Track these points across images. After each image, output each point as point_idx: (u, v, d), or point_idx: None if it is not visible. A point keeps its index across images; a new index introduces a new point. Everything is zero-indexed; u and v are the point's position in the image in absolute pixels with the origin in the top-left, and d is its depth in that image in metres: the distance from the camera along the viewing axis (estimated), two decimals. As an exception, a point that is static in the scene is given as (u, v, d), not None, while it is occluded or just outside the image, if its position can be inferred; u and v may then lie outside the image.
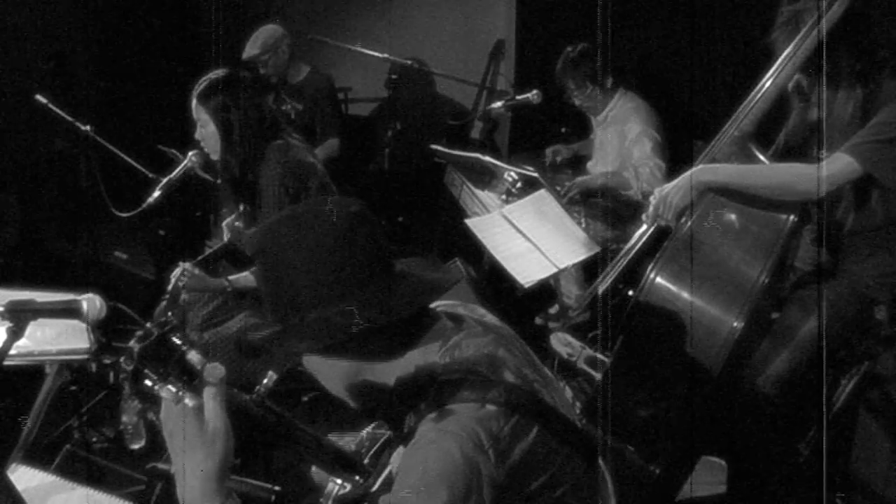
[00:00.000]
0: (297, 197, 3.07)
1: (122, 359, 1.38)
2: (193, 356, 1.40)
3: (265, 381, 1.52)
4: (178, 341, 1.40)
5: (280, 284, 1.50)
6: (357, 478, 1.59)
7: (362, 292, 1.47)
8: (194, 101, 3.16)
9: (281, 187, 3.08)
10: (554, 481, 1.46)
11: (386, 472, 1.55)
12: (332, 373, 1.55)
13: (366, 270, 1.49)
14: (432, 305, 1.60)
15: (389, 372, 1.53)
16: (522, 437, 1.42)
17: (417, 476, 1.37)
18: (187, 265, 3.10)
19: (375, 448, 1.75)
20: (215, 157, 3.22)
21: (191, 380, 1.38)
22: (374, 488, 1.55)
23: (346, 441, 1.81)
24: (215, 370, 1.39)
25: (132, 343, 1.38)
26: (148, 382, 1.37)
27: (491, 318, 1.65)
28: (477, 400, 1.41)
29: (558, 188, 4.27)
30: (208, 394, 1.38)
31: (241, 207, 3.30)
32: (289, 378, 3.00)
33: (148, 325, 1.42)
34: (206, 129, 3.17)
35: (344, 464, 1.60)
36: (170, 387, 1.37)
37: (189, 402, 1.37)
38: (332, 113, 5.04)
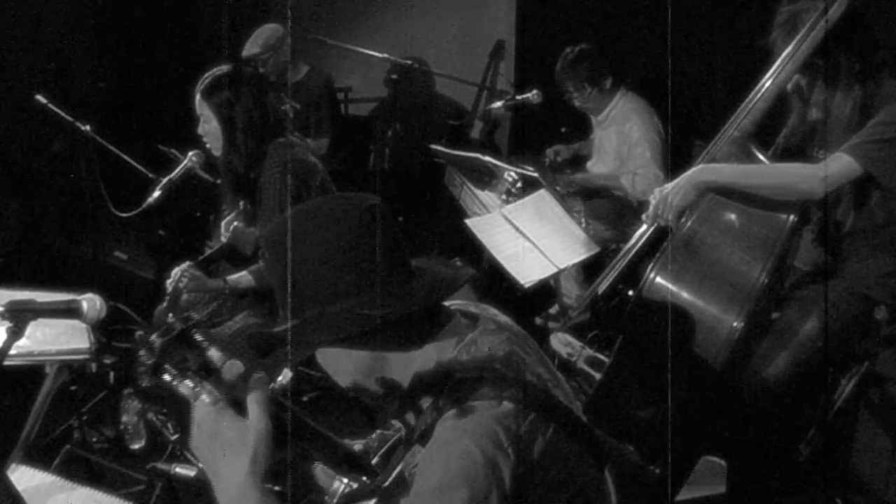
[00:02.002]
0: (298, 196, 3.07)
1: (141, 352, 1.39)
2: (214, 353, 1.41)
3: (280, 378, 1.53)
4: (199, 337, 1.40)
5: (297, 278, 1.50)
6: (364, 478, 1.59)
7: (382, 284, 1.49)
8: (198, 97, 3.14)
9: (282, 186, 3.07)
10: (567, 480, 1.47)
11: (397, 470, 1.55)
12: (348, 366, 1.56)
13: (385, 263, 1.50)
14: (446, 304, 1.60)
15: (406, 366, 1.54)
16: (539, 434, 1.43)
17: (438, 477, 1.38)
18: (186, 266, 3.09)
19: (384, 449, 1.75)
20: (217, 153, 3.20)
21: (208, 376, 1.39)
22: (386, 484, 1.55)
23: (357, 442, 1.81)
24: (233, 367, 1.40)
25: (154, 337, 1.38)
26: (167, 377, 1.38)
27: (504, 318, 1.66)
28: (494, 397, 1.42)
29: (558, 188, 4.27)
30: (251, 399, 1.38)
31: (241, 205, 3.29)
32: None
33: (170, 319, 1.43)
34: (210, 125, 3.15)
35: (352, 463, 1.60)
36: (188, 382, 1.38)
37: (206, 398, 1.38)
38: (329, 113, 5.04)
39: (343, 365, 1.56)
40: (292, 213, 1.59)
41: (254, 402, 1.38)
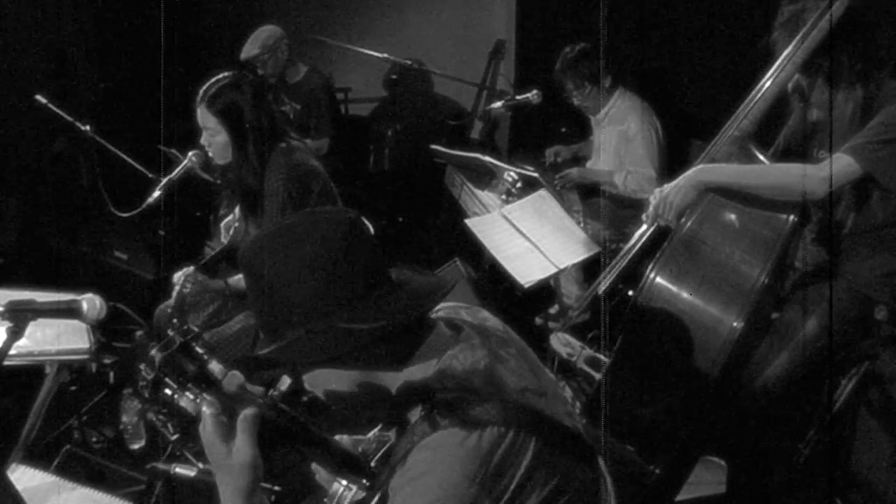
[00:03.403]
0: (301, 201, 3.01)
1: (142, 366, 1.38)
2: (214, 365, 1.40)
3: (279, 385, 1.52)
4: (199, 350, 1.40)
5: (279, 295, 1.48)
6: (363, 480, 1.59)
7: (363, 301, 1.46)
8: (202, 108, 3.05)
9: (285, 192, 3.01)
10: (558, 491, 1.46)
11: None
12: (333, 384, 1.53)
13: (365, 279, 1.48)
14: (435, 308, 1.59)
15: (389, 385, 1.52)
16: (518, 456, 1.41)
17: None
18: (190, 271, 3.05)
19: (382, 451, 1.74)
20: (222, 162, 3.15)
21: (208, 388, 1.39)
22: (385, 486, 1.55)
23: (355, 441, 1.81)
24: (234, 379, 1.39)
25: (154, 352, 1.38)
26: (168, 391, 1.38)
27: (493, 322, 1.64)
28: (470, 421, 1.40)
29: (558, 188, 4.28)
30: (240, 426, 1.39)
31: (238, 206, 3.26)
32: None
33: (169, 332, 1.42)
34: (218, 138, 3.07)
35: (350, 466, 1.59)
36: (188, 395, 1.38)
37: (206, 409, 1.37)
38: (328, 113, 5.04)
39: (328, 383, 1.54)
40: (270, 230, 1.56)
41: (241, 431, 1.38)
